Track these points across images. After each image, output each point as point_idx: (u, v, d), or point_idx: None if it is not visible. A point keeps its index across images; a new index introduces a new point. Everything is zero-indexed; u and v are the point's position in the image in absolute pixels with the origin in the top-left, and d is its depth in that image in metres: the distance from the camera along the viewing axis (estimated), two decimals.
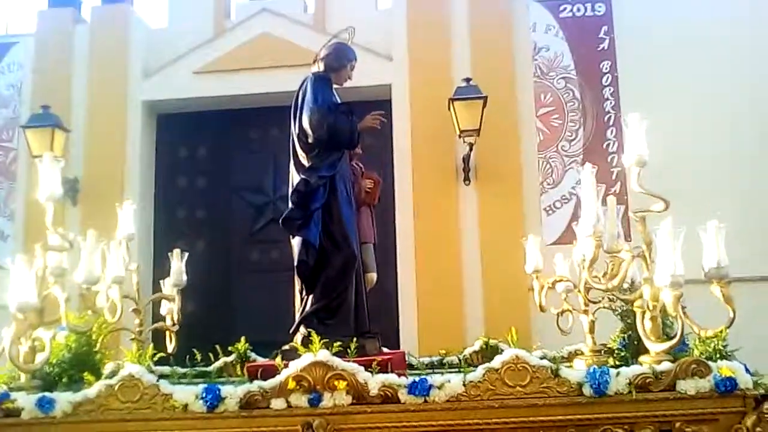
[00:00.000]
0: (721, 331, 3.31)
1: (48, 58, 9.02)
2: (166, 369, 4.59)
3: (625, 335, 4.19)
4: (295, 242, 4.53)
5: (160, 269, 7.07)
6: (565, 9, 8.58)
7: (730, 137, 7.92)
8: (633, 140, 3.64)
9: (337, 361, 3.50)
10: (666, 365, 3.41)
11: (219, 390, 3.54)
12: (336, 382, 3.46)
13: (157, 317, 5.17)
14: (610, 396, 3.42)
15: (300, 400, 3.52)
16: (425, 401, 3.48)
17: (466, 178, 8.33)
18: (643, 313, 3.61)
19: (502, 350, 4.72)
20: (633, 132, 3.64)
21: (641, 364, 3.57)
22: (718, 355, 3.45)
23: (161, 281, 4.99)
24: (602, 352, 4.21)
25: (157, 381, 3.61)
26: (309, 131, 4.57)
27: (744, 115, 7.99)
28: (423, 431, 3.51)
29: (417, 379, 3.47)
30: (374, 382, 3.49)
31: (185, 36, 8.94)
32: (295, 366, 3.52)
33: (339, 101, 4.85)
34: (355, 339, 3.98)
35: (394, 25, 8.71)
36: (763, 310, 6.76)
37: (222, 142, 9.17)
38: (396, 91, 8.56)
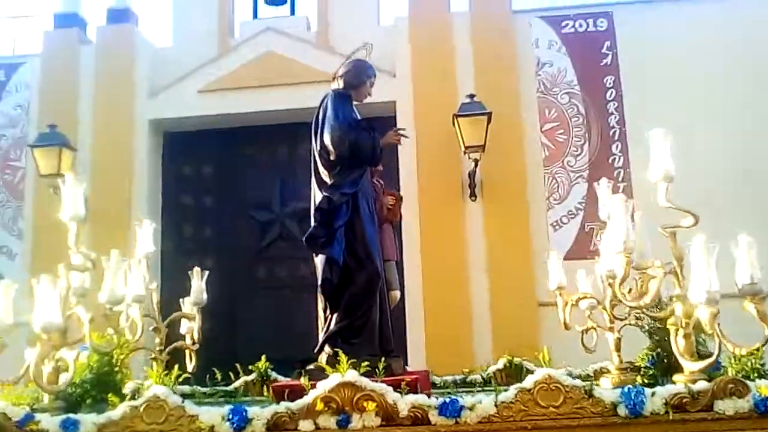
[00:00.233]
0: (757, 349, 3.25)
1: (54, 78, 9.07)
2: (186, 388, 4.56)
3: (654, 353, 4.13)
4: (319, 260, 4.52)
5: (168, 287, 7.11)
6: (567, 25, 8.65)
7: (743, 151, 7.93)
8: (658, 155, 3.61)
9: (366, 382, 3.44)
10: (702, 384, 3.33)
11: (246, 411, 3.48)
12: (365, 403, 3.39)
13: (173, 336, 5.14)
14: (646, 416, 3.34)
15: (328, 421, 3.44)
16: (456, 422, 3.40)
17: (472, 194, 8.35)
18: (677, 330, 3.54)
19: (527, 369, 4.70)
20: (658, 147, 3.61)
21: (674, 383, 3.50)
22: (755, 374, 3.41)
23: (181, 300, 4.97)
24: (629, 370, 4.17)
25: (183, 402, 3.56)
26: (331, 148, 4.56)
27: (753, 130, 8.02)
28: None
29: (447, 399, 3.40)
30: (404, 403, 3.42)
31: (190, 55, 8.99)
32: (323, 387, 3.46)
33: (359, 118, 4.84)
34: (381, 358, 3.93)
35: (397, 42, 8.75)
36: None
37: (227, 160, 9.20)
38: (400, 107, 8.60)
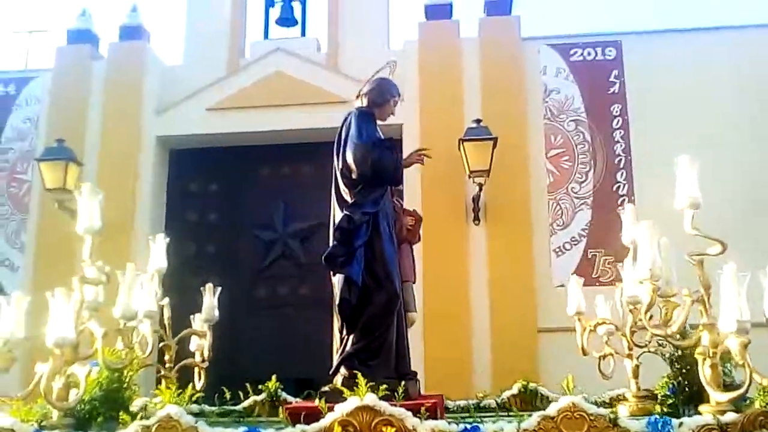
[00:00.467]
0: None
1: (65, 92, 9.11)
2: (194, 407, 4.51)
3: (675, 381, 4.10)
4: (337, 280, 4.46)
5: (171, 303, 7.07)
6: (575, 53, 8.72)
7: (751, 182, 7.96)
8: (684, 182, 3.59)
9: (385, 406, 3.35)
10: (731, 416, 3.23)
11: None
12: (384, 428, 3.30)
13: (181, 353, 5.10)
14: None
15: None
16: None
17: (476, 218, 8.37)
18: (704, 360, 3.49)
19: (542, 394, 4.66)
20: (684, 174, 3.60)
21: (699, 414, 3.45)
22: None
23: (192, 316, 4.94)
24: (647, 398, 4.14)
25: (196, 423, 3.51)
26: (353, 167, 4.53)
27: (761, 161, 8.06)
28: None
29: (469, 426, 3.34)
30: (424, 428, 3.33)
31: (200, 73, 9.04)
32: (341, 410, 3.37)
33: (383, 137, 4.83)
34: (400, 382, 3.87)
35: (406, 66, 8.72)
36: None
37: (233, 179, 9.21)
38: (407, 130, 8.60)
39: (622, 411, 4.01)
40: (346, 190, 4.56)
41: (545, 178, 8.51)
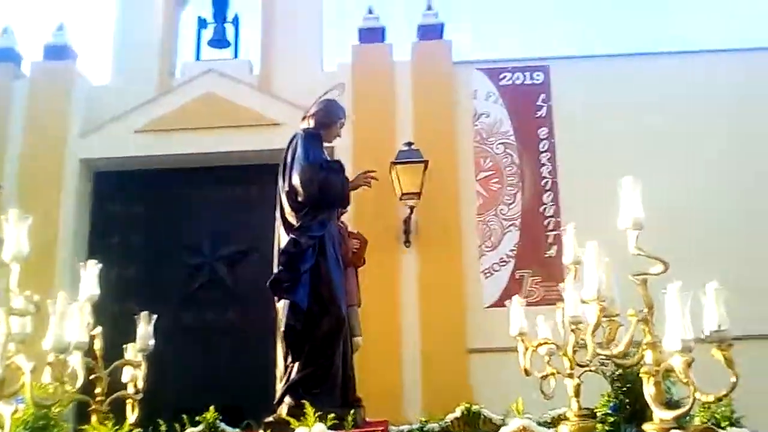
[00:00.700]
0: (722, 397, 3.28)
1: None
2: None
3: (616, 400, 4.19)
4: (282, 305, 4.40)
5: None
6: (505, 77, 8.91)
7: (680, 202, 8.06)
8: (628, 203, 3.64)
9: None
10: None
11: None
12: None
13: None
14: None
15: None
16: None
17: (407, 241, 8.43)
18: (649, 378, 3.55)
19: (485, 416, 4.70)
20: (627, 195, 3.66)
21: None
22: (726, 422, 3.46)
23: (124, 346, 4.82)
24: (588, 417, 4.20)
25: None
26: (299, 189, 4.50)
27: (688, 181, 8.26)
28: None
29: None
30: None
31: (128, 93, 8.86)
32: None
33: (330, 158, 4.81)
34: (348, 410, 3.82)
35: None
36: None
37: (161, 202, 9.01)
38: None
39: (564, 431, 4.07)
40: (292, 213, 4.53)
41: (475, 200, 8.64)
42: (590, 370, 4.37)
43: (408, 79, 8.90)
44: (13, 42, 9.22)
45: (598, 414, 4.36)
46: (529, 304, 8.02)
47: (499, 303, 8.30)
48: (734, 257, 7.74)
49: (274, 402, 4.32)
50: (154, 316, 4.85)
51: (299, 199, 4.56)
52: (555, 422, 4.68)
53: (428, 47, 9.04)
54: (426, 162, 8.07)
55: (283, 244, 4.52)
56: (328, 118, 4.96)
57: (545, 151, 8.69)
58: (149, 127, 8.75)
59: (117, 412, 4.59)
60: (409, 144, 8.24)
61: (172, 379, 8.24)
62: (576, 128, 8.62)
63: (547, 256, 8.41)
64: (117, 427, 3.93)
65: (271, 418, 4.11)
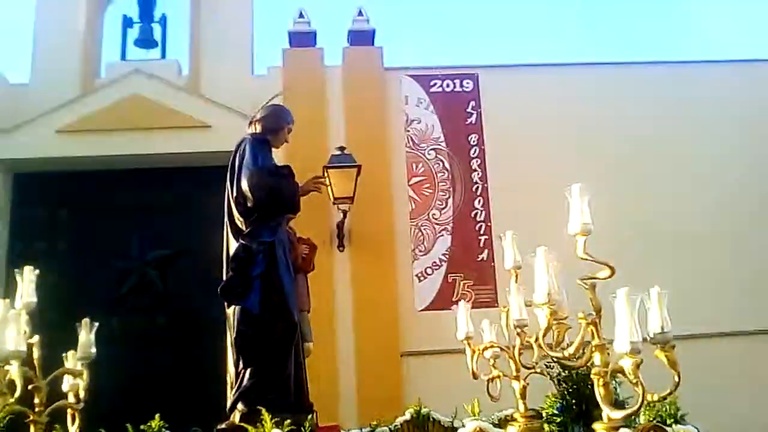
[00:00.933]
0: (666, 396, 3.42)
1: None
2: None
3: (563, 401, 4.29)
4: (233, 311, 4.32)
5: None
6: (435, 84, 9.01)
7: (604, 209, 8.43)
8: (576, 210, 3.74)
9: None
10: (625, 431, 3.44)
11: None
12: None
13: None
14: None
15: None
16: None
17: (340, 245, 8.41)
18: (599, 379, 3.66)
19: (434, 419, 4.72)
20: (576, 202, 3.75)
21: (593, 430, 3.59)
22: (672, 420, 3.60)
23: (64, 354, 4.62)
24: (534, 417, 4.28)
25: None
26: (249, 194, 4.43)
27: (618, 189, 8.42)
28: None
29: None
30: None
31: (49, 93, 8.52)
32: None
33: (279, 164, 4.76)
34: (304, 415, 3.78)
35: (269, 92, 8.68)
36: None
37: (86, 205, 8.72)
38: None
39: (512, 431, 4.14)
40: (241, 219, 4.46)
41: (407, 205, 8.70)
42: (536, 372, 4.48)
43: (339, 84, 8.89)
44: None
45: (544, 414, 4.44)
46: None
47: (432, 306, 8.43)
48: (668, 263, 8.08)
49: (227, 409, 4.23)
50: (96, 324, 4.62)
51: (248, 204, 4.50)
52: (502, 424, 4.75)
53: (359, 53, 9.05)
54: (359, 167, 8.08)
55: (232, 250, 4.41)
56: (275, 123, 4.94)
57: (476, 157, 8.83)
58: (72, 127, 8.44)
59: (58, 422, 4.43)
60: (342, 149, 8.23)
61: (104, 387, 8.02)
62: (505, 135, 8.79)
63: (478, 260, 8.55)
64: None
65: (223, 425, 4.02)
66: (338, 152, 8.21)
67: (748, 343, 8.37)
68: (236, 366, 4.36)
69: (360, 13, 9.12)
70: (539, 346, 3.99)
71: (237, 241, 4.42)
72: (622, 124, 8.89)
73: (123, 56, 9.23)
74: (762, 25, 9.61)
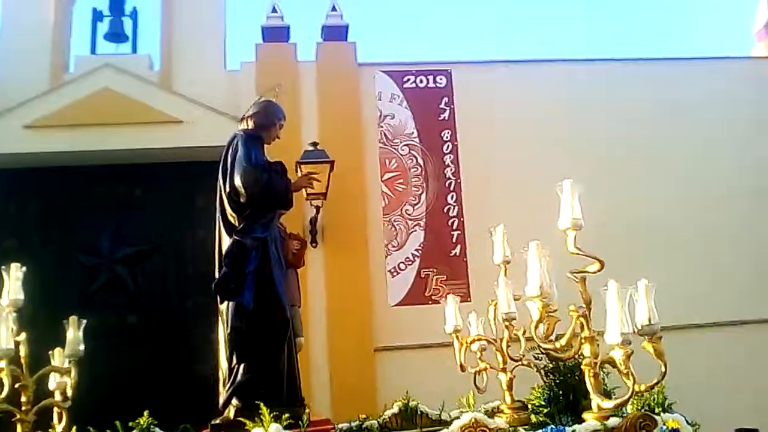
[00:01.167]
0: (653, 385, 3.51)
1: None
2: None
3: (551, 392, 4.35)
4: (227, 307, 4.31)
5: None
6: (408, 80, 9.04)
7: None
8: (567, 205, 3.80)
9: None
10: (616, 420, 3.52)
11: None
12: None
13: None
14: None
15: None
16: None
17: (313, 241, 8.40)
18: (590, 370, 3.72)
19: (421, 412, 4.76)
20: (566, 197, 3.81)
21: (583, 420, 3.67)
22: (660, 408, 3.69)
23: (50, 352, 4.58)
24: (521, 409, 4.35)
25: None
26: (242, 190, 4.43)
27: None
28: None
29: None
30: None
31: (16, 87, 8.33)
32: None
33: (270, 160, 4.76)
34: (301, 409, 3.80)
35: (242, 87, 8.67)
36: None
37: (55, 201, 8.57)
38: None
39: (500, 422, 4.19)
40: (234, 215, 4.46)
41: (380, 200, 8.72)
42: (524, 365, 4.55)
43: (313, 80, 8.87)
44: None
45: (530, 406, 4.50)
46: (433, 302, 8.47)
47: (405, 302, 8.48)
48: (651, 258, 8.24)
49: (220, 404, 4.23)
50: (84, 321, 4.58)
51: (241, 200, 4.50)
52: (488, 415, 4.78)
53: (332, 48, 9.05)
54: (332, 162, 8.08)
55: (225, 246, 4.40)
56: (267, 119, 4.94)
57: (449, 153, 8.89)
58: (41, 122, 8.27)
59: (44, 422, 4.40)
60: (315, 144, 8.22)
61: (82, 385, 7.94)
62: (478, 131, 8.86)
63: (451, 255, 8.61)
64: None
65: (218, 421, 4.01)
66: (311, 148, 8.20)
67: (743, 333, 8.66)
68: (229, 362, 4.36)
69: (333, 9, 9.12)
70: (531, 338, 4.04)
71: (230, 237, 4.41)
72: (597, 120, 9.01)
73: (93, 50, 9.08)
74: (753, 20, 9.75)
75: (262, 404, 3.51)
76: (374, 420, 5.18)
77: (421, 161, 8.87)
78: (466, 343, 4.75)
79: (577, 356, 3.87)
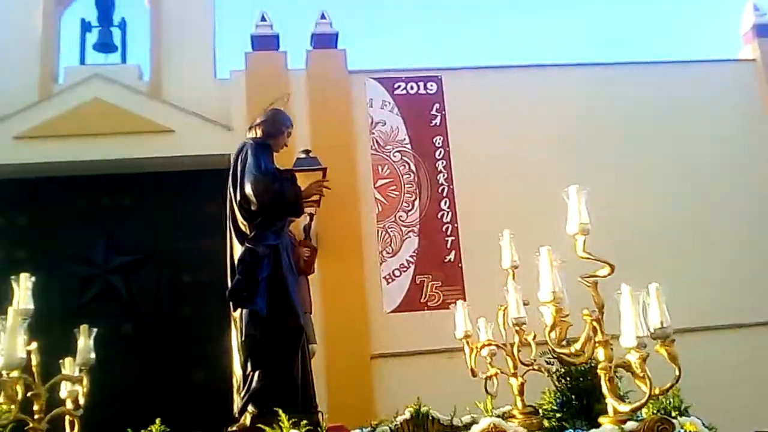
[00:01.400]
0: (668, 388, 3.49)
1: None
2: None
3: (564, 396, 4.34)
4: (240, 315, 4.30)
5: None
6: (399, 86, 9.06)
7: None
8: (574, 210, 3.81)
9: None
10: (633, 424, 3.51)
11: None
12: None
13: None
14: None
15: None
16: None
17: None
18: (605, 374, 3.70)
19: (433, 417, 4.75)
20: (573, 202, 3.83)
21: (599, 425, 3.65)
22: (676, 412, 3.69)
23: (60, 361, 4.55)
24: (532, 414, 4.34)
25: None
26: (253, 199, 4.44)
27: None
28: None
29: None
30: None
31: (5, 98, 8.30)
32: None
33: (280, 168, 4.76)
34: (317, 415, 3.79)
35: (233, 96, 8.67)
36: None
37: (46, 212, 8.53)
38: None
39: (518, 427, 4.18)
40: (245, 223, 4.46)
41: (374, 207, 8.73)
42: (535, 369, 4.55)
43: (303, 88, 8.86)
44: None
45: (541, 411, 4.50)
46: (429, 308, 8.47)
47: (401, 308, 8.47)
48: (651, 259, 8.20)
49: (236, 411, 4.21)
50: (94, 330, 4.55)
51: (252, 208, 4.50)
52: None
53: (323, 56, 9.05)
54: (324, 169, 8.05)
55: (237, 254, 4.41)
56: (275, 127, 4.95)
57: (441, 159, 8.90)
58: (31, 133, 8.23)
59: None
60: (307, 152, 8.20)
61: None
62: (470, 136, 8.88)
63: (446, 261, 8.62)
64: None
65: (234, 428, 4.00)
66: (303, 155, 8.17)
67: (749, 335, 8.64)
68: (244, 369, 4.35)
69: (323, 16, 9.12)
70: (542, 342, 4.05)
71: (242, 245, 4.41)
72: (589, 124, 9.06)
73: (82, 61, 9.04)
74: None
75: (280, 410, 3.49)
76: (386, 425, 5.15)
77: (413, 167, 8.88)
78: (476, 348, 4.74)
79: (590, 360, 3.86)
